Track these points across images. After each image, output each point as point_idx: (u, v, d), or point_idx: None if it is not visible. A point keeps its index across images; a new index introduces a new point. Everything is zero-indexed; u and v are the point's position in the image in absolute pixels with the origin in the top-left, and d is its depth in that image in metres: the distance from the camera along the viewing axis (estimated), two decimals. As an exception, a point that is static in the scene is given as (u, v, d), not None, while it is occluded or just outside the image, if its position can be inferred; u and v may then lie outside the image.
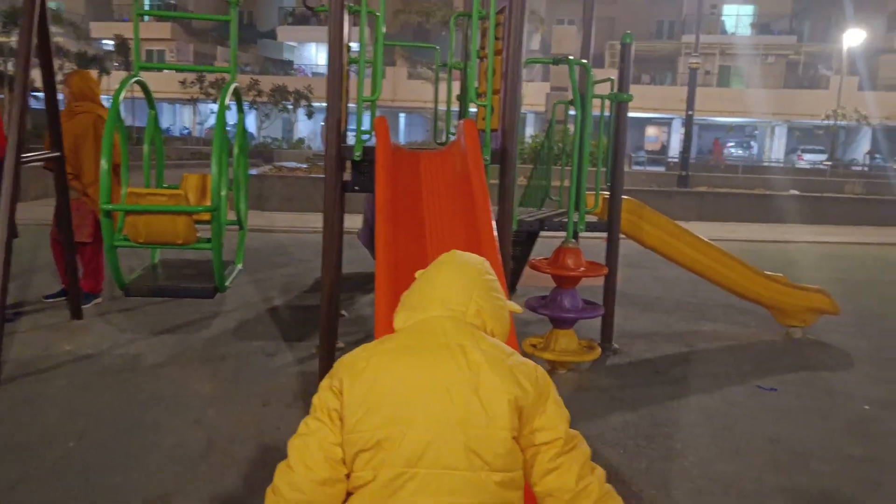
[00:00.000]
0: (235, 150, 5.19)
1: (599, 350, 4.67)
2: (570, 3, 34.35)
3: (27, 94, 4.40)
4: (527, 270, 5.63)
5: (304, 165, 16.67)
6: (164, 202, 3.98)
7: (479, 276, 1.66)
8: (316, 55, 42.62)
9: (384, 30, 3.91)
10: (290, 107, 32.61)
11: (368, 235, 6.42)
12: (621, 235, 5.08)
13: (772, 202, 13.93)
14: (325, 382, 1.55)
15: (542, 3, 37.56)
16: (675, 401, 4.15)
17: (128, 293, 4.44)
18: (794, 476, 3.25)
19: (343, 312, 5.48)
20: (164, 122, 41.87)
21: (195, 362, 4.42)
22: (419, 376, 1.48)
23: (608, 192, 4.99)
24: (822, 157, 30.97)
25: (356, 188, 4.63)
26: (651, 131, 39.20)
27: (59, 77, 5.46)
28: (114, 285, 4.50)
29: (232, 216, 5.26)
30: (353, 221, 6.15)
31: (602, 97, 4.93)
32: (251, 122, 34.92)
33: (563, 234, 4.71)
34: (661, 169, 26.53)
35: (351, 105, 4.36)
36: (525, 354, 4.51)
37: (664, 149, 36.29)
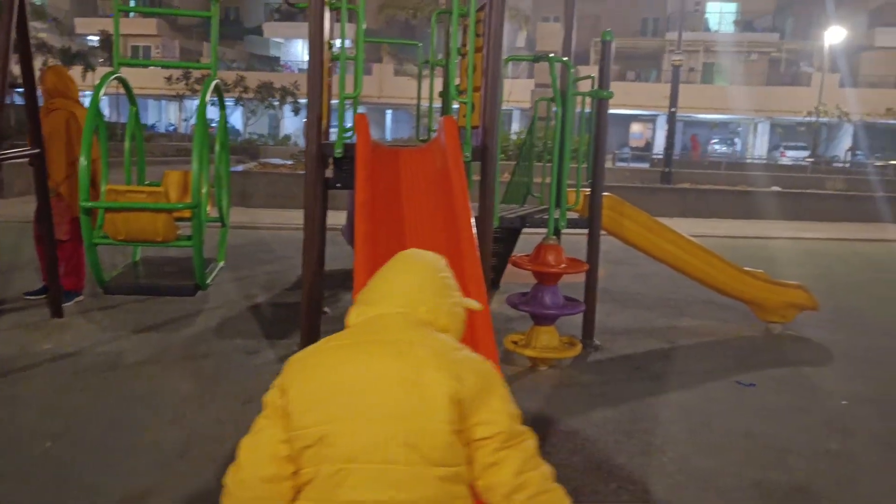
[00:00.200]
0: (217, 147, 5.17)
1: (580, 346, 4.70)
2: (556, 1, 34.39)
3: (5, 90, 4.37)
4: (509, 267, 5.65)
5: (290, 162, 16.61)
6: (144, 199, 3.96)
7: (434, 273, 1.67)
8: (302, 52, 42.43)
9: (365, 26, 3.89)
10: (277, 103, 32.47)
11: (352, 232, 6.41)
12: (603, 232, 5.11)
13: (754, 199, 14.04)
14: (275, 381, 1.56)
15: (528, 1, 37.61)
16: (655, 397, 4.18)
17: (108, 291, 4.41)
18: (770, 471, 3.28)
19: (326, 309, 5.46)
20: (150, 119, 41.56)
21: (176, 361, 4.40)
22: (362, 372, 1.49)
23: (589, 189, 5.01)
24: (805, 153, 31.23)
25: (338, 185, 4.62)
26: (636, 128, 39.37)
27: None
28: (96, 283, 4.48)
29: (214, 213, 5.25)
30: (337, 218, 6.14)
31: (583, 94, 4.95)
32: (237, 119, 34.74)
33: (545, 230, 4.73)
34: (646, 165, 26.64)
35: (336, 101, 4.35)
36: (506, 351, 4.57)
37: (649, 145, 36.45)
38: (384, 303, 1.61)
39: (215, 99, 5.11)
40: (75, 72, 28.98)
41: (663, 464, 3.32)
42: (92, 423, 3.46)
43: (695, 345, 5.31)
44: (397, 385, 1.46)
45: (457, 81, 4.56)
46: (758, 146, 37.77)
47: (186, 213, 4.21)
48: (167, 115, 43.25)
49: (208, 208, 4.94)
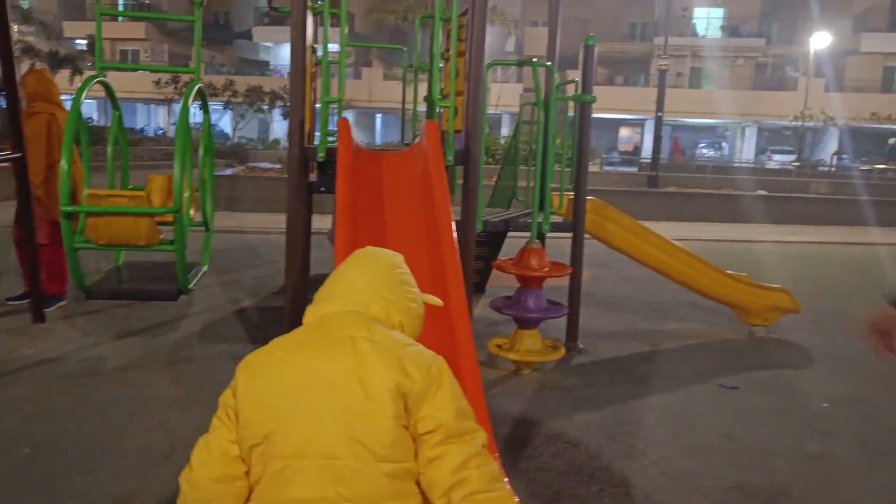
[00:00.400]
0: (201, 151, 5.17)
1: (564, 350, 4.71)
2: (544, 6, 34.37)
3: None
4: (495, 271, 5.66)
5: (278, 166, 16.58)
6: (125, 203, 3.95)
7: (388, 270, 1.67)
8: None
9: (348, 30, 3.90)
10: (266, 107, 32.41)
11: (337, 237, 6.40)
12: (587, 236, 5.13)
13: (740, 202, 14.12)
14: (232, 381, 1.57)
15: (517, 5, 37.72)
16: (638, 400, 4.20)
17: (89, 295, 4.40)
18: (751, 472, 3.30)
19: (311, 314, 5.46)
20: (139, 123, 41.41)
21: (160, 366, 4.38)
22: (307, 370, 1.49)
23: (573, 193, 5.03)
24: (792, 157, 31.46)
25: (322, 189, 4.62)
26: (624, 132, 39.52)
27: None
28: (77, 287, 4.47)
29: (199, 217, 5.24)
30: (324, 222, 6.13)
31: (566, 98, 4.97)
32: (226, 123, 34.63)
33: (529, 234, 4.74)
34: (634, 169, 26.75)
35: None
36: (490, 355, 4.57)
37: (637, 150, 36.60)
38: (337, 301, 1.61)
39: (201, 103, 5.13)
40: (63, 76, 28.86)
41: (645, 466, 3.34)
42: (74, 429, 3.44)
43: (678, 348, 5.33)
44: (342, 381, 1.47)
45: (441, 86, 4.58)
46: (745, 150, 38.01)
47: (169, 218, 4.20)
48: (156, 119, 43.09)
49: (192, 212, 4.94)
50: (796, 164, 28.16)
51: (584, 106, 4.93)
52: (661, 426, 3.82)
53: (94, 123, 29.18)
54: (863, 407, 4.23)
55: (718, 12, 39.97)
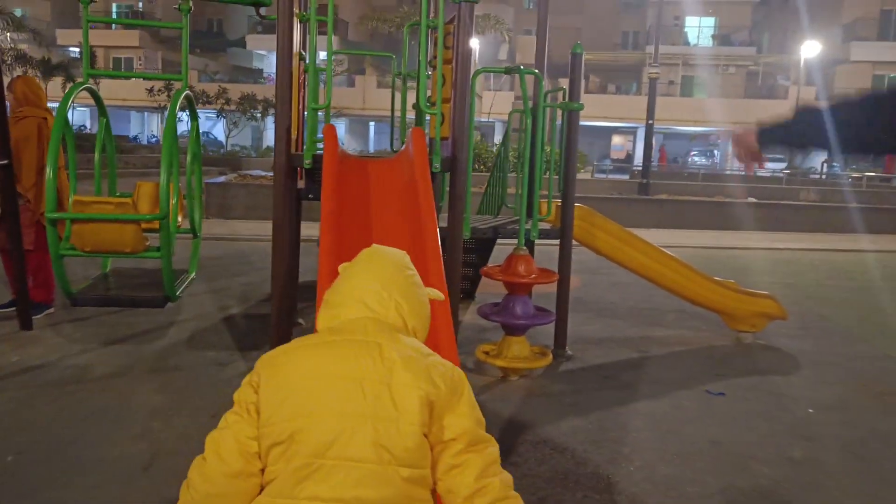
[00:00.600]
0: (189, 158, 5.16)
1: (551, 356, 4.72)
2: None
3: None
4: (485, 278, 5.67)
5: (270, 174, 16.56)
6: (111, 210, 3.94)
7: (400, 273, 1.67)
8: (284, 63, 42.39)
9: (334, 37, 3.92)
10: (259, 115, 32.45)
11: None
12: (576, 242, 5.14)
13: (730, 209, 14.20)
14: (246, 378, 1.57)
15: (510, 14, 37.90)
16: (625, 406, 4.20)
17: (75, 303, 4.38)
18: (734, 478, 3.31)
19: (300, 321, 5.46)
20: (133, 131, 41.42)
21: (145, 374, 4.36)
22: (333, 370, 1.50)
23: (560, 200, 5.04)
24: (783, 165, 31.61)
25: (310, 196, 4.63)
26: (617, 140, 39.69)
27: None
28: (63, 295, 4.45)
29: (187, 224, 5.24)
30: (314, 229, 6.12)
31: (553, 106, 5.00)
32: (220, 131, 34.63)
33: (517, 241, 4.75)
34: (626, 177, 26.86)
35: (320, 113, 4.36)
36: (478, 362, 4.58)
37: (630, 157, 36.76)
38: (352, 306, 1.60)
39: (189, 110, 5.13)
40: (55, 83, 28.84)
41: (630, 472, 3.34)
42: (56, 438, 3.42)
43: (666, 354, 5.34)
44: (369, 384, 1.47)
45: (429, 93, 4.59)
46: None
47: (155, 225, 4.20)
48: (149, 127, 43.07)
49: (180, 219, 4.93)
50: (787, 171, 28.30)
51: (572, 113, 4.95)
52: (647, 432, 3.83)
53: (87, 131, 29.15)
54: (847, 412, 4.25)
55: (710, 21, 40.29)
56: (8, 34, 27.36)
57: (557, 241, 5.07)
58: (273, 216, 4.01)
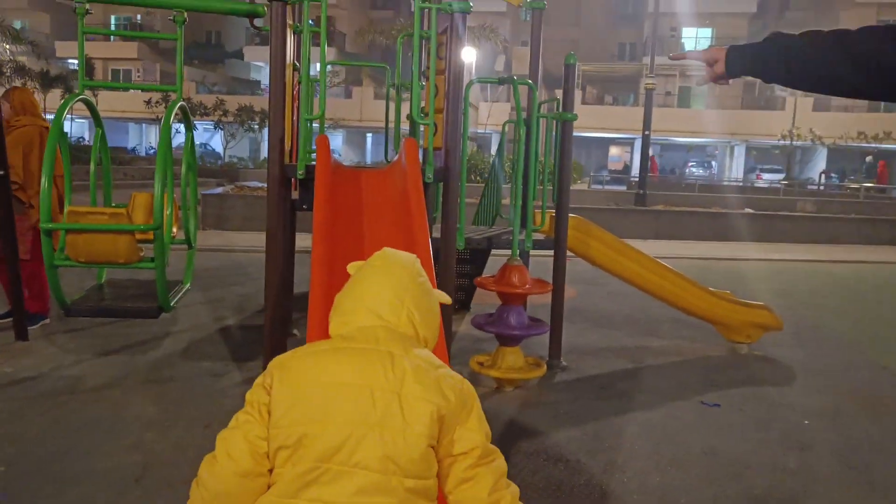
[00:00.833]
0: (184, 168, 5.17)
1: (546, 367, 4.71)
2: (534, 25, 34.84)
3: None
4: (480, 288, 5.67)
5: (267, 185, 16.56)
6: (105, 221, 3.95)
7: (412, 280, 1.65)
8: (282, 75, 42.51)
9: (327, 49, 3.94)
10: (257, 126, 32.54)
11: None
12: (571, 253, 5.15)
13: (726, 220, 14.22)
14: (258, 379, 1.58)
15: (507, 26, 38.10)
16: (620, 416, 4.20)
17: (69, 313, 4.38)
18: (727, 487, 3.30)
19: (295, 332, 5.45)
20: (131, 142, 41.49)
21: (139, 384, 4.35)
22: (344, 377, 1.50)
23: (555, 210, 5.06)
24: (780, 176, 31.74)
25: (304, 206, 4.64)
26: (614, 151, 39.84)
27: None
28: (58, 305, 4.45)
29: (182, 235, 5.24)
30: (309, 240, 6.12)
31: (547, 116, 5.02)
32: (217, 142, 34.70)
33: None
34: (623, 188, 26.94)
35: (316, 125, 4.37)
36: (472, 373, 4.57)
37: (627, 168, 36.86)
38: (365, 314, 1.60)
39: (184, 121, 5.15)
40: (54, 94, 28.93)
41: (624, 482, 3.33)
42: (46, 449, 3.41)
43: (662, 364, 5.34)
44: (379, 393, 1.48)
45: (422, 104, 4.61)
46: (734, 169, 38.31)
47: (150, 235, 4.20)
48: (147, 139, 43.17)
49: (175, 230, 4.94)
50: (784, 182, 28.40)
51: (566, 124, 4.97)
52: (641, 442, 3.82)
53: (86, 143, 29.22)
54: (839, 421, 4.25)
55: (707, 32, 40.49)
56: (7, 46, 27.47)
57: (552, 252, 5.07)
58: (266, 226, 4.02)
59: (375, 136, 40.27)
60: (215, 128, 33.12)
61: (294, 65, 4.59)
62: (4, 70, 27.02)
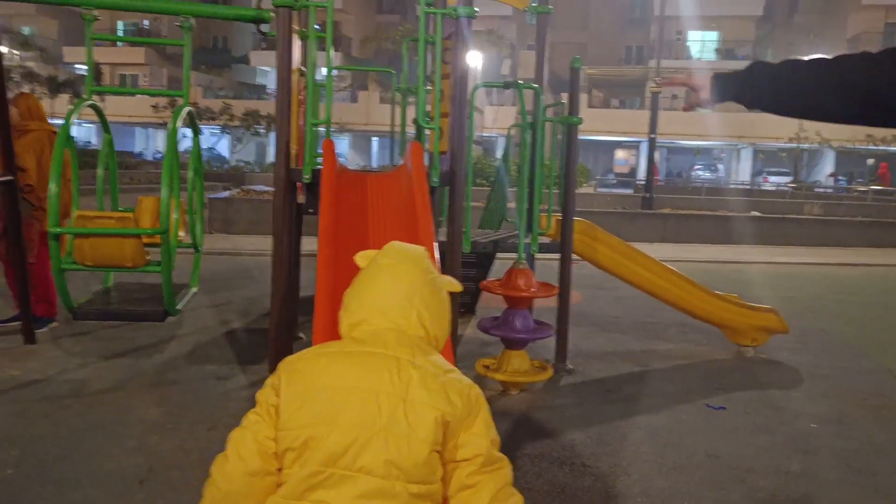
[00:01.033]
0: (190, 173, 5.21)
1: (551, 370, 4.71)
2: (540, 29, 34.90)
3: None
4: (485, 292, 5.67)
5: (273, 189, 16.61)
6: (112, 225, 3.97)
7: (421, 279, 1.63)
8: (288, 79, 42.68)
9: (333, 54, 3.96)
10: (263, 130, 32.66)
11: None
12: (578, 257, 5.15)
13: (733, 223, 14.16)
14: (269, 379, 1.59)
15: (513, 30, 38.15)
16: (625, 419, 4.19)
17: (76, 316, 4.41)
18: (731, 491, 3.29)
19: (301, 335, 5.47)
20: (137, 147, 41.70)
21: (143, 387, 4.37)
22: (351, 381, 1.51)
23: (561, 214, 5.06)
24: (787, 179, 31.60)
25: (310, 210, 4.65)
26: (620, 154, 39.77)
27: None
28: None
29: (188, 239, 5.27)
30: (315, 244, 6.14)
31: (552, 120, 5.02)
32: (224, 147, 34.84)
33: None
34: (629, 191, 26.88)
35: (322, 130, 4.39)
36: (477, 375, 4.57)
37: (633, 172, 36.80)
38: (374, 316, 1.60)
39: (190, 125, 5.18)
40: (62, 100, 29.11)
41: (627, 485, 3.33)
42: (51, 451, 3.42)
43: (668, 368, 5.33)
44: (385, 399, 1.48)
45: (428, 108, 4.62)
46: (741, 172, 38.19)
47: (156, 239, 4.23)
48: (154, 143, 43.37)
49: (181, 234, 4.97)
50: (792, 185, 28.30)
51: (572, 127, 4.97)
52: (645, 445, 3.82)
53: (93, 147, 29.39)
54: (844, 425, 4.24)
55: (713, 35, 40.40)
56: (16, 52, 27.66)
57: (558, 256, 5.07)
58: (273, 229, 4.03)
59: (381, 140, 40.34)
60: (222, 132, 33.27)
61: (300, 70, 4.61)
62: (13, 75, 27.21)
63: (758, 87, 1.75)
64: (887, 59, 1.52)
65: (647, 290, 5.52)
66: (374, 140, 41.35)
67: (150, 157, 37.37)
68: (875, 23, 36.52)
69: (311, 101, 3.97)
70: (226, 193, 15.19)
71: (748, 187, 30.71)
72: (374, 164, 38.40)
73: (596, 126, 30.64)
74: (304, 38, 4.60)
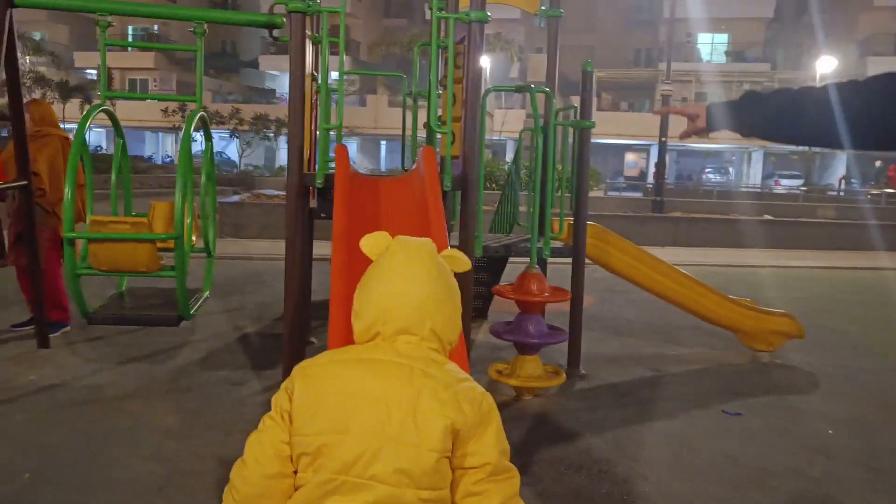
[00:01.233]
0: (203, 178, 5.21)
1: (564, 375, 4.68)
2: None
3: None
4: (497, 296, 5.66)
5: (283, 193, 16.67)
6: (127, 230, 3.98)
7: (433, 281, 1.60)
8: (298, 84, 42.88)
9: (346, 59, 3.96)
10: (272, 135, 32.79)
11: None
12: (590, 261, 5.13)
13: (745, 227, 14.09)
14: (284, 383, 1.60)
15: (522, 33, 38.15)
16: (640, 424, 4.17)
17: (91, 321, 4.42)
18: (750, 494, 3.27)
19: (313, 339, 5.47)
20: (147, 151, 41.93)
21: (159, 393, 4.38)
22: (363, 389, 1.51)
23: (573, 218, 5.04)
24: (799, 182, 31.42)
25: (322, 215, 4.66)
26: (630, 157, 39.68)
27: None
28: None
29: (201, 244, 5.28)
30: (328, 248, 6.14)
31: (564, 124, 5.01)
32: (233, 151, 34.97)
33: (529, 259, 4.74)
34: (639, 195, 26.80)
35: (333, 134, 4.39)
36: (490, 380, 4.55)
37: (643, 175, 36.70)
38: (386, 323, 1.59)
39: (203, 130, 5.19)
40: (73, 104, 29.30)
41: (645, 490, 3.31)
42: (68, 458, 3.43)
43: (682, 372, 5.29)
44: (396, 407, 1.48)
45: (439, 112, 4.62)
46: (752, 175, 38.02)
47: (170, 244, 4.23)
48: (163, 147, 43.60)
49: (194, 239, 4.98)
50: (804, 188, 28.14)
51: (583, 131, 4.96)
52: (661, 449, 3.79)
53: (104, 152, 29.57)
54: (863, 428, 4.20)
55: (723, 37, 40.29)
56: (28, 57, 27.87)
57: (570, 260, 5.05)
58: (285, 234, 4.03)
59: (389, 144, 40.43)
60: (231, 136, 33.42)
61: (312, 75, 4.61)
62: (25, 80, 27.43)
63: (753, 116, 1.79)
64: (876, 85, 1.55)
65: (661, 293, 5.49)
66: (383, 143, 41.45)
67: (159, 161, 37.58)
68: (887, 24, 36.29)
69: (324, 105, 3.97)
70: (236, 197, 15.25)
71: (759, 190, 30.56)
72: (383, 167, 38.44)
73: (605, 129, 30.56)
74: (315, 43, 4.60)
